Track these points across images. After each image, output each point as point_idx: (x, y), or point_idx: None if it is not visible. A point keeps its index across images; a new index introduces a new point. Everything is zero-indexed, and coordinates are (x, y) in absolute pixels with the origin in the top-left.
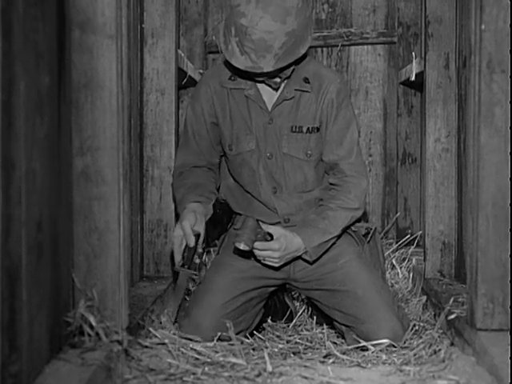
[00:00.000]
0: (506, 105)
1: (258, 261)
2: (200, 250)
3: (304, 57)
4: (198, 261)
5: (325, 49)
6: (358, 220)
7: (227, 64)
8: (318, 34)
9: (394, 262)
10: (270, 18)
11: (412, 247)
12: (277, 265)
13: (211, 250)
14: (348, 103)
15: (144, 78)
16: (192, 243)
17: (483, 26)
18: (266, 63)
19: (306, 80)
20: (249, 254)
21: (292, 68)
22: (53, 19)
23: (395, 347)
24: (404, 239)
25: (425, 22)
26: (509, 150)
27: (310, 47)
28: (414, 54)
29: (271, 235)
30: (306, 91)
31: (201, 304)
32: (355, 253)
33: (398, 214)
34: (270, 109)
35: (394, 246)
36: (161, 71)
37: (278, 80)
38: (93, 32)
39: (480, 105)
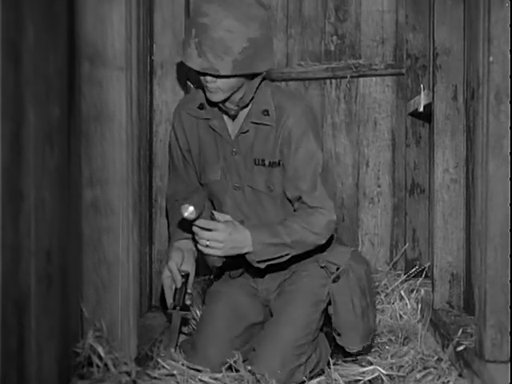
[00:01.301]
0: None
1: (205, 254)
2: (189, 291)
3: (263, 85)
4: (189, 302)
5: (333, 80)
6: (322, 248)
7: (191, 76)
8: (326, 66)
9: (402, 293)
10: (233, 18)
11: (420, 278)
12: (220, 252)
13: None
14: (310, 135)
15: (153, 109)
16: (179, 284)
17: (491, 58)
18: (224, 66)
19: (265, 112)
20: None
21: (251, 96)
22: (63, 51)
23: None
24: (412, 270)
25: (433, 53)
26: None
27: (319, 79)
28: (422, 85)
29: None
30: (264, 124)
31: (205, 332)
32: (313, 287)
33: (407, 245)
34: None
35: (403, 278)
36: (170, 102)
37: (234, 107)
38: (103, 64)
39: (488, 136)
